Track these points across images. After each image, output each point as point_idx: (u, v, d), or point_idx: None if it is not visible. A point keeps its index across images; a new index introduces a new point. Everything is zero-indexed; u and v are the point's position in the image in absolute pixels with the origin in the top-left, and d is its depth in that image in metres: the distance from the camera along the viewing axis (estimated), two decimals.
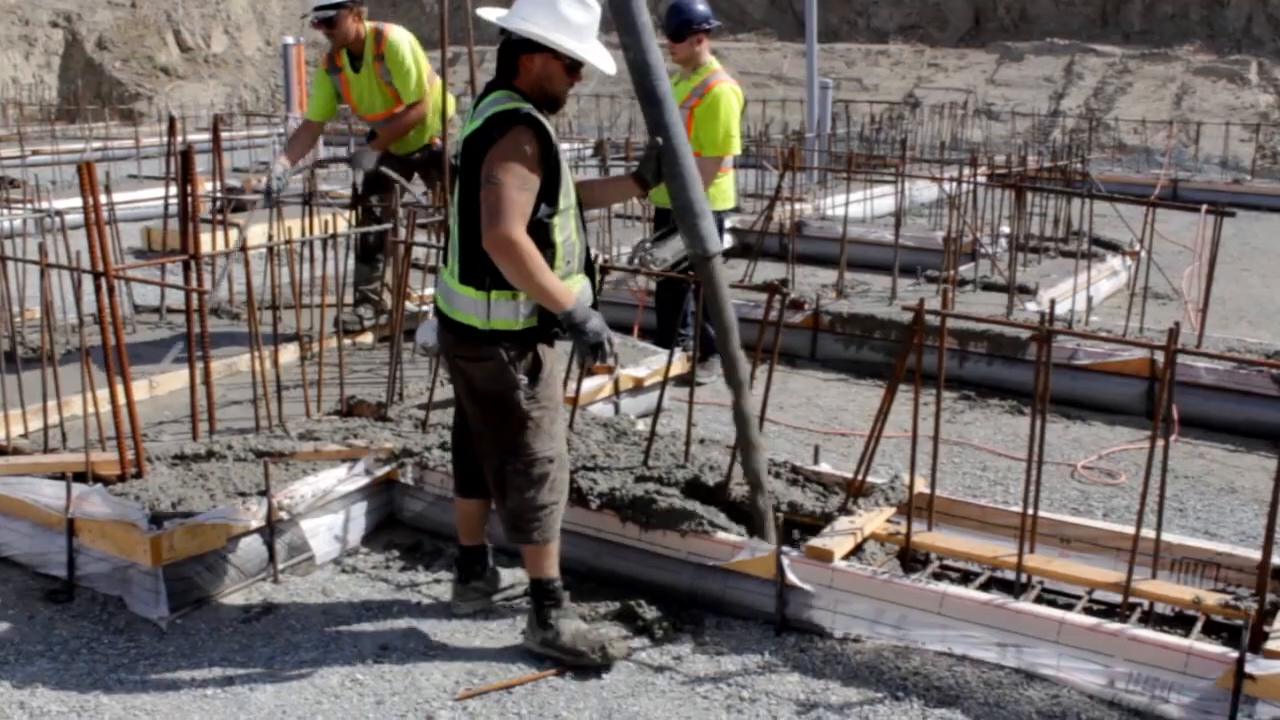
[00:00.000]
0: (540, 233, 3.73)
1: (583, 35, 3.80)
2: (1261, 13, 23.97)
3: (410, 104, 6.75)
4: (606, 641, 3.94)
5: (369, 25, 6.79)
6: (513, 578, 4.35)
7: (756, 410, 4.33)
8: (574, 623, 3.96)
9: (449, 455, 4.90)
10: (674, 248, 5.40)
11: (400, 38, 6.74)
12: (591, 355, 3.79)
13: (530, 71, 3.80)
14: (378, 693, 3.79)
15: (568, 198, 3.85)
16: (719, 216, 6.48)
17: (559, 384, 4.02)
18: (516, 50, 3.80)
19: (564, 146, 15.25)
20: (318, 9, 6.65)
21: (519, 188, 3.64)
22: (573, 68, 3.84)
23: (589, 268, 4.04)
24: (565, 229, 3.84)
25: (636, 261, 5.78)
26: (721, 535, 4.26)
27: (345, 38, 6.70)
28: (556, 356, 3.98)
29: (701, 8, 6.80)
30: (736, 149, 6.83)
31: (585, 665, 3.89)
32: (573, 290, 3.81)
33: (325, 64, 7.01)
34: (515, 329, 3.80)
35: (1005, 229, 9.36)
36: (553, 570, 3.97)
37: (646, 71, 4.07)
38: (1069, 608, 4.00)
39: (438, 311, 4.01)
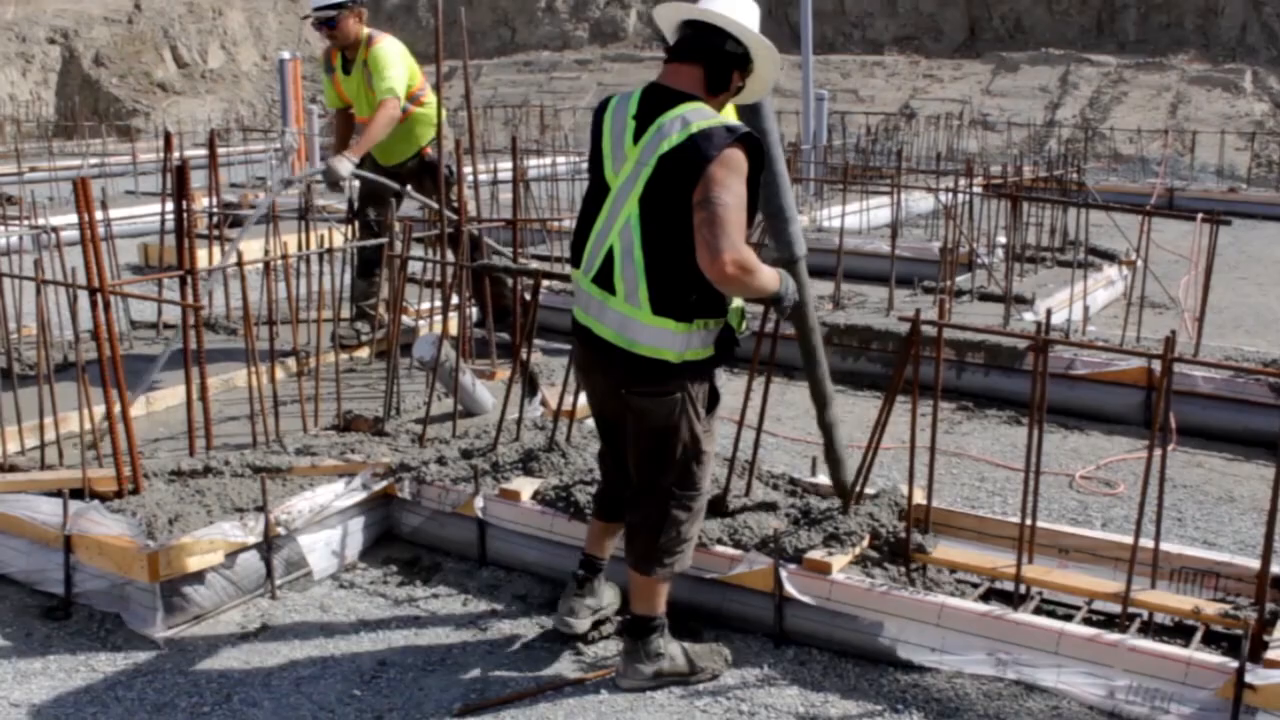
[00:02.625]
0: None
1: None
2: (1256, 22, 24.04)
3: (380, 101, 6.65)
4: (715, 649, 3.95)
5: (365, 31, 6.82)
6: (614, 597, 4.24)
7: (839, 420, 4.37)
8: (678, 643, 3.92)
9: (445, 470, 4.91)
10: None
11: (388, 44, 6.76)
12: (788, 314, 3.78)
13: (731, 90, 3.65)
14: (376, 709, 3.78)
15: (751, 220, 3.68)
16: None
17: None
18: (734, 64, 3.59)
19: (559, 160, 15.16)
20: (318, 9, 6.66)
21: (739, 209, 3.42)
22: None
23: None
24: None
25: None
26: (719, 548, 4.25)
27: (345, 38, 6.75)
28: None
29: None
30: None
31: (707, 679, 3.90)
32: (738, 310, 3.72)
33: (323, 62, 7.13)
34: (702, 358, 3.62)
35: (1001, 239, 9.37)
36: (664, 606, 3.87)
37: None
38: (1068, 619, 3.99)
39: (592, 341, 3.71)
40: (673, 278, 3.52)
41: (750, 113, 4.11)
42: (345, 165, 6.48)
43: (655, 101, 3.56)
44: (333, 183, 6.51)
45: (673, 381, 3.61)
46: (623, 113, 3.64)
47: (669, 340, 3.56)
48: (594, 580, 4.13)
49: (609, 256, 3.60)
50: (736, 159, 3.43)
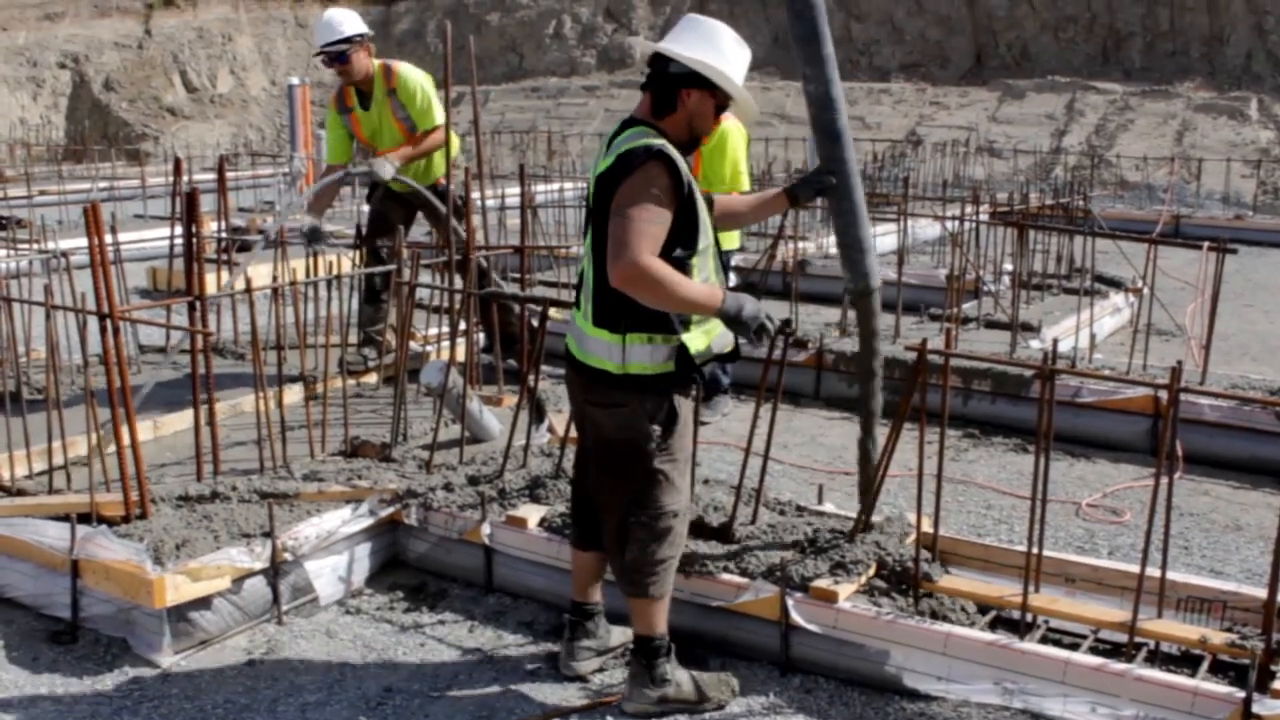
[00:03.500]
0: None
1: (740, 76, 3.72)
2: (1261, 50, 24.09)
3: (429, 129, 6.76)
4: (723, 679, 3.93)
5: (376, 62, 6.83)
6: (623, 636, 4.20)
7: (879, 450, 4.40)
8: (685, 671, 3.90)
9: (452, 496, 4.91)
10: None
11: (409, 71, 6.79)
12: (757, 339, 3.66)
13: (686, 107, 3.70)
14: None
15: (706, 237, 3.73)
16: (725, 256, 6.52)
17: (690, 436, 3.90)
18: (677, 83, 3.68)
19: (566, 186, 15.24)
20: (327, 45, 6.67)
21: (649, 221, 3.52)
22: (720, 109, 3.76)
23: None
24: (704, 270, 3.74)
25: None
26: (725, 576, 4.25)
27: (355, 74, 6.74)
28: (690, 407, 3.86)
29: None
30: (746, 185, 6.87)
31: (714, 709, 3.87)
32: (712, 334, 3.77)
33: (335, 105, 7.02)
34: (650, 373, 3.68)
35: (1008, 266, 9.38)
36: (664, 626, 3.87)
37: (827, 105, 4.08)
38: (1074, 648, 3.98)
39: (567, 356, 3.89)
40: (608, 292, 3.65)
41: (831, 142, 4.14)
42: (388, 168, 6.54)
43: (619, 130, 3.74)
44: (373, 184, 6.59)
45: (617, 393, 3.72)
46: (606, 142, 3.80)
47: (605, 351, 3.70)
48: (588, 623, 4.13)
49: (583, 275, 3.87)
50: (650, 172, 3.54)
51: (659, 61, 3.71)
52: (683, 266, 3.63)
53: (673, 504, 3.81)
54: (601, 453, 3.86)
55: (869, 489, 4.40)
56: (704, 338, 3.76)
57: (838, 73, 4.14)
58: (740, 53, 3.73)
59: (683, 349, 3.69)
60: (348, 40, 6.65)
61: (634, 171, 3.54)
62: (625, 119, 3.79)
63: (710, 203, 4.02)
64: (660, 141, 3.61)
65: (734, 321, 3.64)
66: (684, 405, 3.80)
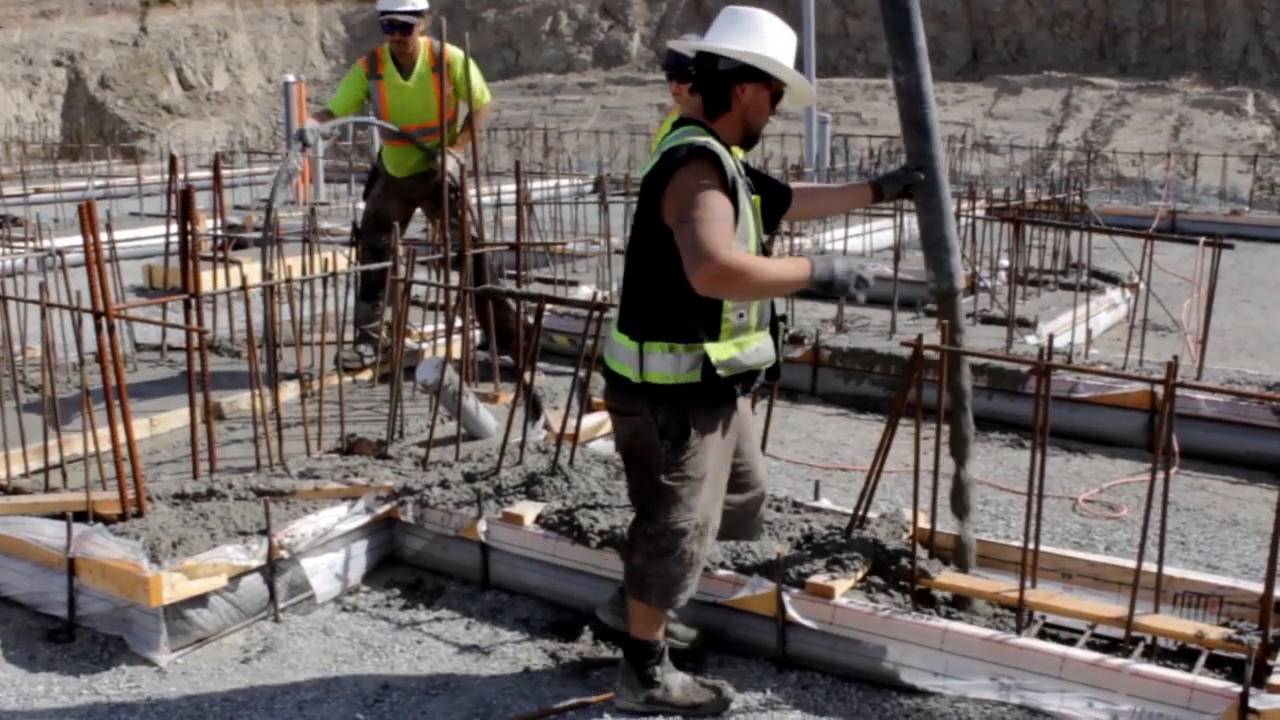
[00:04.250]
0: None
1: (790, 60, 3.63)
2: (1258, 45, 24.11)
3: (480, 107, 6.97)
4: (719, 686, 3.88)
5: (423, 39, 6.93)
6: (683, 630, 4.17)
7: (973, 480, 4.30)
8: (679, 675, 3.86)
9: (448, 493, 4.91)
10: None
11: (456, 50, 6.87)
12: (857, 291, 3.55)
13: (740, 103, 3.60)
14: None
15: (747, 241, 3.55)
16: None
17: (712, 454, 3.68)
18: (729, 80, 3.57)
19: (563, 183, 15.21)
20: (403, 11, 6.78)
21: (713, 218, 3.36)
22: (775, 99, 3.67)
23: (773, 323, 3.79)
24: None
25: None
26: (722, 572, 4.25)
27: (410, 46, 6.90)
28: (724, 421, 3.69)
29: None
30: None
31: (703, 715, 3.83)
32: (746, 345, 3.62)
33: (365, 66, 7.09)
34: (669, 384, 3.55)
35: (1004, 262, 9.38)
36: (656, 634, 3.80)
37: (918, 98, 3.99)
38: (1071, 643, 3.99)
39: (601, 361, 3.86)
40: (636, 297, 3.63)
41: (920, 137, 4.02)
42: (454, 164, 6.68)
43: (669, 130, 3.66)
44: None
45: (634, 401, 3.64)
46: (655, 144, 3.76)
47: (626, 357, 3.63)
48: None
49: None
50: (697, 169, 3.41)
51: (705, 60, 3.60)
52: None
53: (680, 521, 3.66)
54: (622, 456, 3.84)
55: (964, 514, 4.28)
56: (733, 348, 3.60)
57: (929, 65, 4.04)
58: (787, 36, 3.64)
59: (707, 362, 3.55)
60: (417, 14, 6.82)
61: (678, 170, 3.42)
62: (676, 119, 3.73)
63: (788, 192, 3.97)
64: (705, 139, 3.50)
65: (828, 285, 3.51)
66: (704, 419, 3.63)
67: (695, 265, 3.33)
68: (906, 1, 4.01)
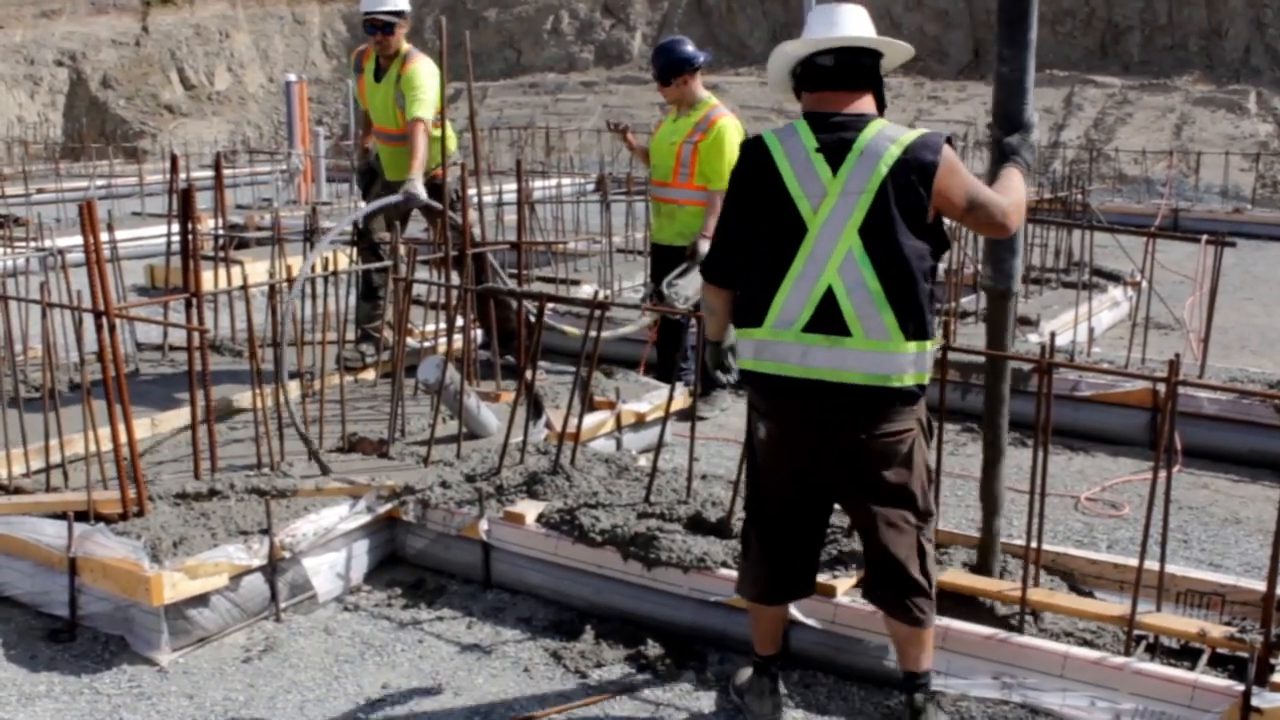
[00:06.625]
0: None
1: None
2: (1260, 43, 24.07)
3: (411, 122, 6.70)
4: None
5: (405, 45, 6.93)
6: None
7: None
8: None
9: (450, 492, 4.90)
10: (695, 284, 5.41)
11: (425, 65, 6.83)
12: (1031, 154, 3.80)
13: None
14: None
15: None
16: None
17: (763, 460, 3.67)
18: (880, 74, 3.52)
19: (564, 181, 15.18)
20: (383, 11, 6.78)
21: (982, 184, 3.46)
22: None
23: None
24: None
25: (658, 298, 5.80)
26: (724, 571, 4.24)
27: (390, 48, 6.90)
28: (763, 429, 3.66)
29: (688, 49, 6.89)
30: None
31: None
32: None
33: (353, 61, 7.27)
34: (926, 382, 3.47)
35: None
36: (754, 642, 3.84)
37: (1017, 93, 3.95)
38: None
39: (832, 389, 3.39)
40: (907, 297, 3.35)
41: (1013, 132, 3.94)
42: (419, 186, 6.55)
43: (835, 131, 3.40)
44: (406, 211, 6.74)
45: (908, 416, 3.44)
46: (798, 150, 3.41)
47: (923, 363, 3.41)
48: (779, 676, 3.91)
49: (828, 298, 3.37)
50: (954, 153, 3.41)
51: (862, 57, 3.47)
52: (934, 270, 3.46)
53: (749, 510, 3.76)
54: (898, 480, 3.52)
55: (993, 510, 4.27)
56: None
57: (1034, 62, 3.99)
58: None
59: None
60: (399, 14, 6.85)
61: (943, 161, 3.35)
62: (831, 118, 3.42)
63: None
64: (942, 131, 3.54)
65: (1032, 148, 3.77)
66: (755, 420, 3.65)
67: (1007, 219, 3.44)
68: None
